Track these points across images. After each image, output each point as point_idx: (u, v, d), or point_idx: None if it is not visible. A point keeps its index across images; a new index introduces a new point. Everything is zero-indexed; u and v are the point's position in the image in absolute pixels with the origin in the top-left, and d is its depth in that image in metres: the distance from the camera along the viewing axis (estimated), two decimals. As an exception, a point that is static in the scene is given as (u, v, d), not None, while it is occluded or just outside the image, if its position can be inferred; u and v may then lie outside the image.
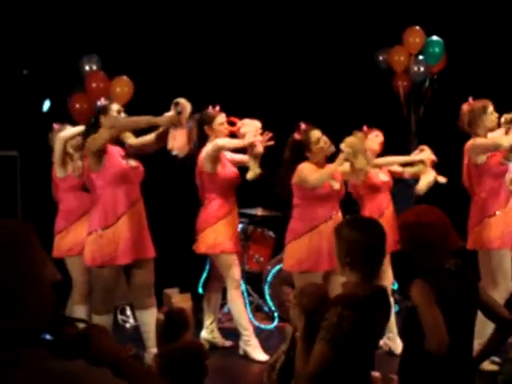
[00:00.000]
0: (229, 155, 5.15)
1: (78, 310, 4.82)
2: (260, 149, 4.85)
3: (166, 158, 4.74)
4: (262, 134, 4.88)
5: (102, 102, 4.75)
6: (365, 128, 5.53)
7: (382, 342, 4.96)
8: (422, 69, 7.22)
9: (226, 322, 5.97)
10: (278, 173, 4.80)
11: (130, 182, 4.43)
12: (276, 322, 6.03)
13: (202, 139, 4.99)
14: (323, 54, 7.22)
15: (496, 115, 4.80)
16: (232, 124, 5.03)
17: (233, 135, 5.07)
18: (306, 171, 4.65)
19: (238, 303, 5.05)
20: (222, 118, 5.05)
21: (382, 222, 4.95)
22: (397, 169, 5.50)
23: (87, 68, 6.52)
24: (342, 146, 4.62)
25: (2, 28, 6.34)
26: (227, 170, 5.05)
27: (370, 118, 5.70)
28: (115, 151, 4.43)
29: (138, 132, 4.67)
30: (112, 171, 4.36)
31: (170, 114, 4.30)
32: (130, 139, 4.62)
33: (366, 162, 4.67)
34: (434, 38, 7.13)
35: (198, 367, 2.52)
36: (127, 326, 6.10)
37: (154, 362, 3.10)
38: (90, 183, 4.56)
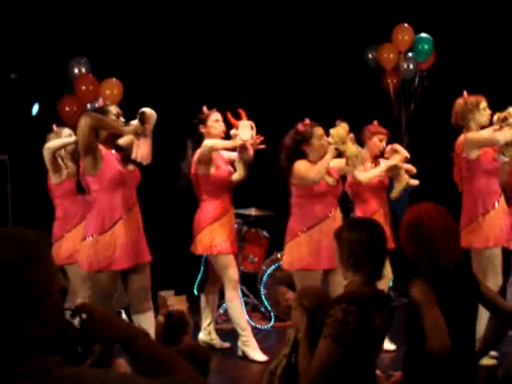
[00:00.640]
0: (226, 154, 5.14)
1: None
2: (250, 153, 4.87)
3: (160, 159, 4.73)
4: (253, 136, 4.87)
5: (99, 102, 4.72)
6: (375, 123, 5.54)
7: None
8: (411, 66, 7.24)
9: (223, 322, 5.95)
10: (280, 162, 4.75)
11: (126, 186, 4.39)
12: (272, 322, 6.03)
13: (199, 140, 5.00)
14: (313, 52, 7.22)
15: (489, 112, 4.79)
16: (238, 118, 4.95)
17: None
18: (304, 169, 4.63)
19: (236, 304, 5.03)
20: (215, 115, 5.08)
21: (382, 214, 4.99)
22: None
23: (76, 71, 6.49)
24: (329, 138, 4.62)
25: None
26: (221, 171, 5.04)
27: (360, 116, 5.70)
28: (111, 155, 4.39)
29: None
30: (108, 175, 4.31)
31: (135, 123, 4.31)
32: (120, 140, 4.59)
33: (355, 148, 4.66)
34: (423, 35, 7.15)
35: (203, 369, 2.50)
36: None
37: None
38: (86, 186, 4.52)
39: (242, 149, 4.85)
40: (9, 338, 1.25)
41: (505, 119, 4.65)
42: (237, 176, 4.99)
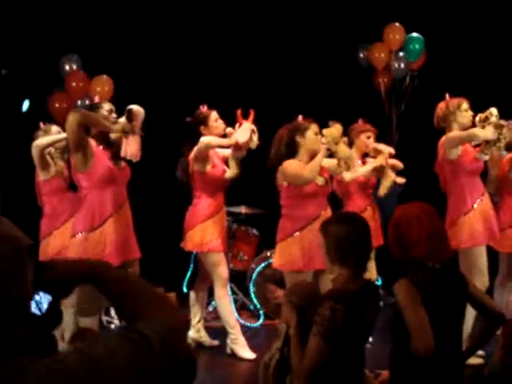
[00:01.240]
0: (221, 152, 5.13)
1: (69, 312, 4.78)
2: (243, 152, 4.88)
3: (150, 156, 4.72)
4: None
5: (95, 100, 4.70)
6: (360, 121, 5.57)
7: None
8: (402, 65, 7.26)
9: (212, 320, 5.95)
10: (268, 158, 4.71)
11: (116, 184, 4.39)
12: (261, 320, 6.04)
13: (194, 139, 4.99)
14: (304, 51, 7.22)
15: (471, 113, 4.80)
16: (246, 117, 4.94)
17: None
18: (296, 168, 4.57)
19: (225, 301, 5.04)
20: (214, 114, 5.08)
21: (365, 218, 4.96)
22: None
23: (67, 67, 6.47)
24: (322, 138, 4.61)
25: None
26: (217, 169, 5.04)
27: (351, 115, 5.72)
28: (102, 152, 4.38)
29: None
30: (99, 172, 4.31)
31: (122, 121, 4.30)
32: (112, 135, 4.58)
33: (347, 149, 4.65)
34: (414, 34, 7.17)
35: (189, 369, 2.50)
36: (112, 326, 6.06)
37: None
38: (76, 182, 4.52)
39: (235, 147, 4.85)
40: (7, 339, 1.24)
41: (486, 119, 4.67)
42: (230, 174, 5.00)
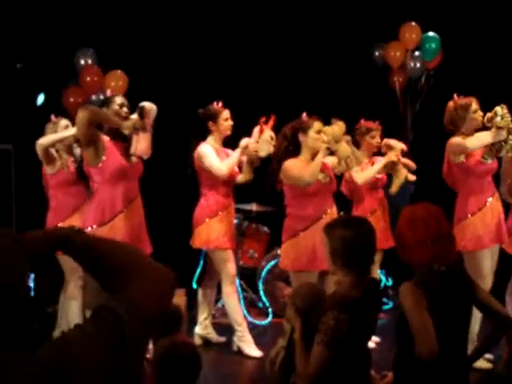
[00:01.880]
0: (231, 152, 5.11)
1: (73, 305, 4.81)
2: (258, 162, 4.96)
3: (163, 152, 4.73)
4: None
5: (107, 93, 4.71)
6: (362, 121, 5.53)
7: None
8: (418, 65, 7.20)
9: (220, 317, 5.95)
10: (272, 166, 4.70)
11: (128, 179, 4.39)
12: (270, 318, 6.03)
13: (203, 134, 4.98)
14: (319, 49, 7.19)
15: (481, 114, 4.67)
16: (266, 121, 4.93)
17: (237, 132, 5.04)
18: (297, 169, 4.53)
19: (232, 299, 5.03)
20: (226, 113, 5.05)
21: (374, 219, 4.94)
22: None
23: (82, 62, 6.49)
24: (323, 136, 4.54)
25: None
26: None
27: (366, 114, 5.69)
28: (114, 147, 4.38)
29: None
30: (111, 168, 4.31)
31: (134, 118, 4.30)
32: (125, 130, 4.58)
33: (349, 148, 4.59)
34: (431, 33, 7.11)
35: (192, 367, 2.50)
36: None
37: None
38: (88, 175, 4.52)
39: (251, 154, 4.91)
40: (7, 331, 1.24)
41: (491, 119, 4.55)
42: (242, 178, 5.06)
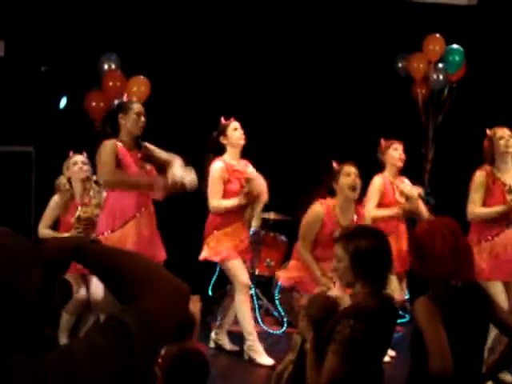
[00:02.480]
0: (249, 166, 5.14)
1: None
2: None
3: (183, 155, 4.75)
4: None
5: (124, 98, 4.74)
6: (382, 141, 5.48)
7: None
8: (441, 77, 7.16)
9: (235, 325, 5.93)
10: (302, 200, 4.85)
11: None
12: (285, 328, 5.99)
13: (217, 150, 5.00)
14: (343, 59, 7.17)
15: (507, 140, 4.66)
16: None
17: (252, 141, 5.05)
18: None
19: (244, 308, 5.02)
20: (234, 124, 5.07)
21: (394, 239, 4.90)
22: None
23: (106, 66, 6.53)
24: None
25: (22, 25, 6.37)
26: (234, 186, 5.02)
27: (388, 125, 5.66)
28: (129, 158, 4.40)
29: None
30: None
31: (157, 183, 4.36)
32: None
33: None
34: (455, 46, 7.07)
35: (200, 373, 2.50)
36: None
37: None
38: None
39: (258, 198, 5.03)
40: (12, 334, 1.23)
41: (510, 191, 4.56)
42: (256, 222, 5.39)
